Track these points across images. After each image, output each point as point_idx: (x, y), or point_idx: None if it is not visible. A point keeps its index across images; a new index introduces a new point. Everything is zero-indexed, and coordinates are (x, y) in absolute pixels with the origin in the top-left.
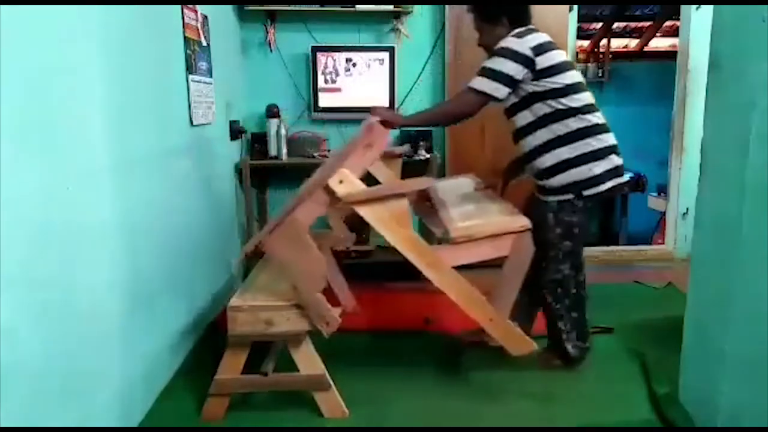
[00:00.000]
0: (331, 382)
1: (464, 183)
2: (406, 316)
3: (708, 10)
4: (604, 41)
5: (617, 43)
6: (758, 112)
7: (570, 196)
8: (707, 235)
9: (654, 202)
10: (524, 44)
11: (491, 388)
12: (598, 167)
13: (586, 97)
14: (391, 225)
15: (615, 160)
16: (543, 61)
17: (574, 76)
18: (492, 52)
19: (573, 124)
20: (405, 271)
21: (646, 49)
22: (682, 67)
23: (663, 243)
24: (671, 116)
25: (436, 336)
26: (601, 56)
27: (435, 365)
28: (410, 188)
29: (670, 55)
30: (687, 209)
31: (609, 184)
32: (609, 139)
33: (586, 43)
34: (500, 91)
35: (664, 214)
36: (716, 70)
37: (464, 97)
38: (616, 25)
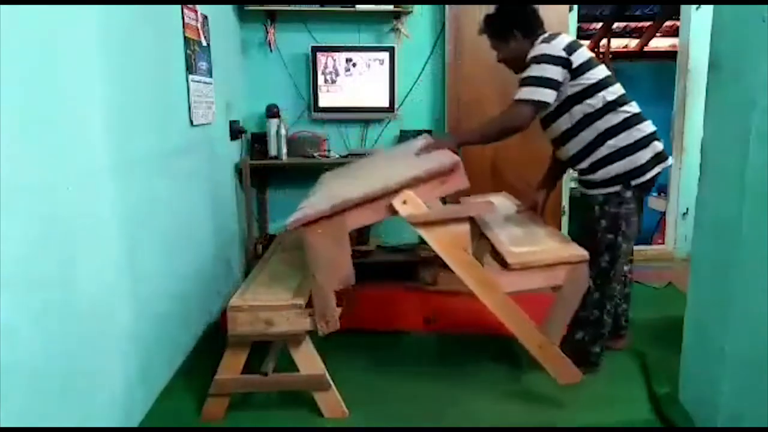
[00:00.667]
0: (331, 382)
1: (501, 203)
2: (406, 316)
3: (708, 10)
4: (604, 41)
5: (617, 43)
6: (758, 112)
7: (618, 188)
8: (707, 235)
9: (654, 202)
10: (556, 47)
11: (491, 387)
12: (643, 156)
13: (618, 89)
14: (450, 248)
15: (657, 146)
16: (576, 59)
17: (603, 70)
18: (528, 62)
19: (613, 118)
20: (405, 271)
21: (646, 49)
22: (682, 67)
23: (663, 243)
24: (671, 116)
25: (436, 336)
26: (601, 56)
27: (435, 365)
28: (472, 212)
29: (670, 55)
30: (687, 209)
31: (654, 171)
32: (648, 127)
33: (586, 43)
34: (549, 96)
35: (664, 214)
36: (716, 70)
37: (515, 110)
38: (616, 25)
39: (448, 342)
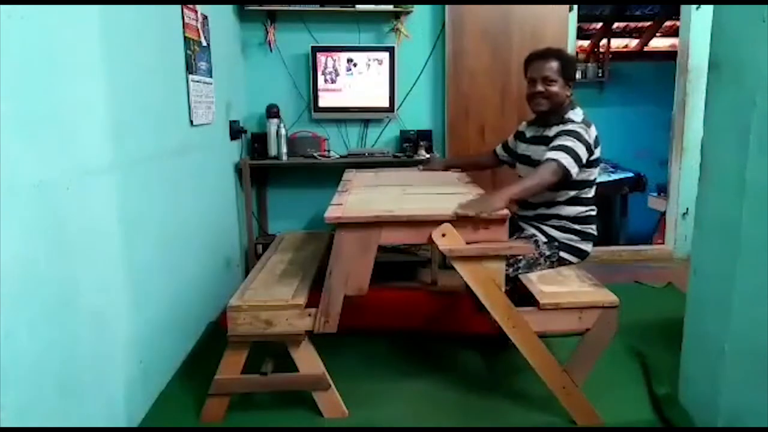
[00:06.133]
0: (331, 382)
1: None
2: (406, 316)
3: (708, 10)
4: (604, 41)
5: (617, 43)
6: (758, 112)
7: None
8: (707, 235)
9: (654, 202)
10: (591, 134)
11: (490, 387)
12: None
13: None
14: (484, 283)
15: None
16: (595, 154)
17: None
18: (565, 131)
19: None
20: (404, 271)
21: (646, 49)
22: (682, 67)
23: (663, 243)
24: (671, 116)
25: (436, 336)
26: (601, 56)
27: (434, 365)
28: (511, 252)
29: (670, 55)
30: (687, 209)
31: None
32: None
33: (586, 43)
34: (575, 171)
35: (664, 214)
36: (716, 70)
37: (553, 167)
38: (616, 25)
39: (448, 342)
